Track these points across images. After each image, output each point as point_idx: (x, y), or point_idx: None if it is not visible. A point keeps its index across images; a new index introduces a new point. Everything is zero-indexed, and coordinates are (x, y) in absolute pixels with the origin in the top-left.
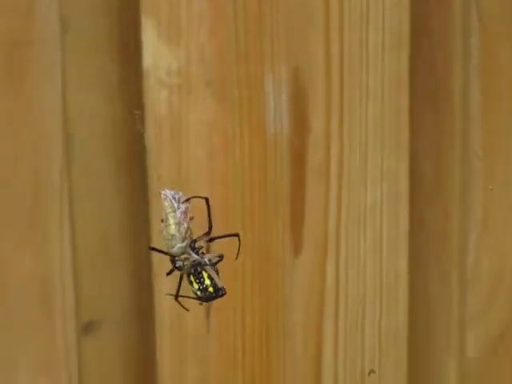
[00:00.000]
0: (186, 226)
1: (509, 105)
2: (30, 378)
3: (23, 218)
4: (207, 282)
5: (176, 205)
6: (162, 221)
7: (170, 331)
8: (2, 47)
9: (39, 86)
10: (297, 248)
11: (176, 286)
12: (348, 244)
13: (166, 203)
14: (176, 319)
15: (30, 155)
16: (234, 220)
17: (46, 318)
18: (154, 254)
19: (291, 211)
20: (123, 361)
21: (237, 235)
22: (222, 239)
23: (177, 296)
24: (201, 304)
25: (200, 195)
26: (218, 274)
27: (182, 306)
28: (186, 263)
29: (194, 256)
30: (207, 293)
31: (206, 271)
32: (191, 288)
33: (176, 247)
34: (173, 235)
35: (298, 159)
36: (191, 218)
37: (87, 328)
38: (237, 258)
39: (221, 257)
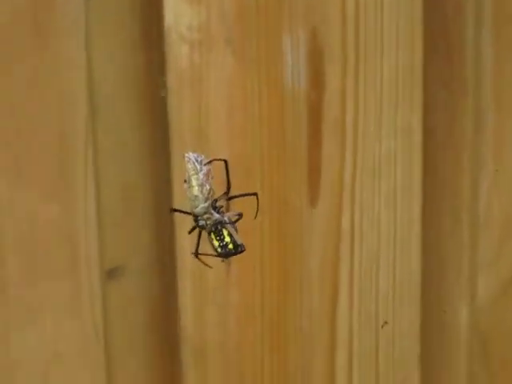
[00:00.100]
0: (208, 187)
1: None
2: (57, 324)
3: (49, 170)
4: (227, 239)
5: (199, 167)
6: (185, 181)
7: (191, 279)
8: (27, 4)
9: (64, 43)
10: (313, 199)
11: (196, 242)
12: (363, 194)
13: (189, 165)
14: (197, 267)
15: (56, 109)
16: (253, 173)
17: (71, 266)
18: (176, 200)
19: (308, 163)
20: (146, 307)
21: (255, 194)
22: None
23: (197, 253)
24: (222, 261)
25: (220, 158)
26: (236, 231)
27: (204, 263)
28: (208, 222)
29: (216, 215)
30: (227, 249)
31: (226, 229)
32: (212, 245)
33: (199, 207)
34: (196, 196)
35: (315, 114)
36: (212, 178)
37: (111, 274)
38: (256, 217)
39: (240, 215)
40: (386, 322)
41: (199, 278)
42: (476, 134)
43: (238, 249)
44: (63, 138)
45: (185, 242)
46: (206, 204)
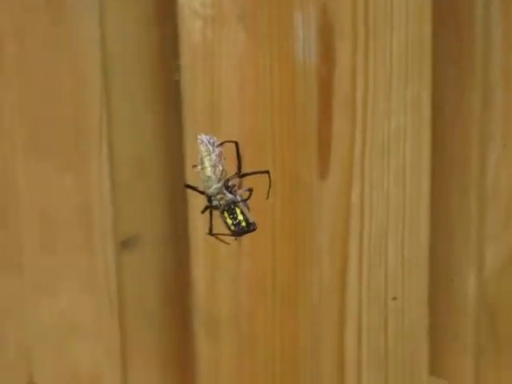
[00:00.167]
0: (220, 168)
1: None
2: (72, 294)
3: (65, 143)
4: (240, 217)
5: (211, 148)
6: (194, 166)
7: (204, 251)
8: None
9: (77, 14)
10: (323, 174)
11: (209, 222)
12: (372, 170)
13: (202, 147)
14: (209, 239)
15: (71, 84)
16: (265, 147)
17: (86, 237)
18: (189, 176)
19: (318, 138)
20: (159, 278)
21: (267, 172)
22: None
23: (211, 233)
24: (236, 239)
25: (231, 139)
26: (249, 209)
27: (221, 240)
28: (221, 202)
29: (229, 195)
30: (240, 227)
31: (238, 207)
32: (225, 224)
33: (212, 188)
34: (209, 177)
35: (325, 90)
36: (224, 159)
37: (125, 245)
38: (268, 196)
39: (250, 190)
40: (394, 298)
41: (212, 251)
42: (484, 111)
43: (250, 227)
44: (78, 112)
45: (198, 214)
46: (219, 184)
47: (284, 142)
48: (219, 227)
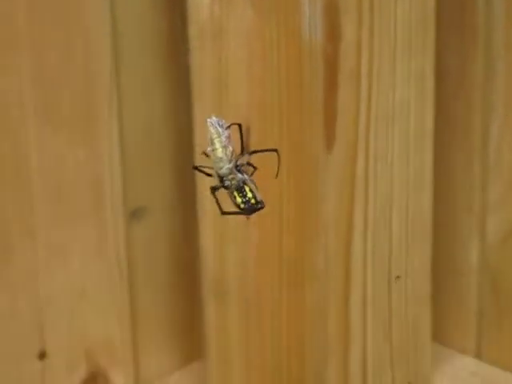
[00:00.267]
0: (231, 148)
1: None
2: (83, 263)
3: (76, 116)
4: (249, 195)
5: (221, 130)
6: (203, 153)
7: (212, 218)
8: None
9: None
10: (329, 146)
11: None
12: (377, 141)
13: (212, 129)
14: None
15: (82, 58)
16: (272, 120)
17: (96, 207)
18: (196, 147)
19: (324, 111)
20: (168, 246)
21: (275, 150)
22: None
23: (223, 211)
24: (248, 218)
25: (236, 122)
26: (257, 188)
27: (233, 213)
28: (232, 182)
29: (239, 175)
30: (250, 204)
31: (247, 185)
32: (235, 202)
33: (224, 168)
34: (220, 158)
35: (331, 64)
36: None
37: (134, 214)
38: (277, 175)
39: (254, 168)
40: (398, 277)
41: (220, 220)
42: (486, 82)
43: (259, 205)
44: (89, 85)
45: (206, 184)
46: (231, 165)
47: (291, 116)
48: (225, 205)
